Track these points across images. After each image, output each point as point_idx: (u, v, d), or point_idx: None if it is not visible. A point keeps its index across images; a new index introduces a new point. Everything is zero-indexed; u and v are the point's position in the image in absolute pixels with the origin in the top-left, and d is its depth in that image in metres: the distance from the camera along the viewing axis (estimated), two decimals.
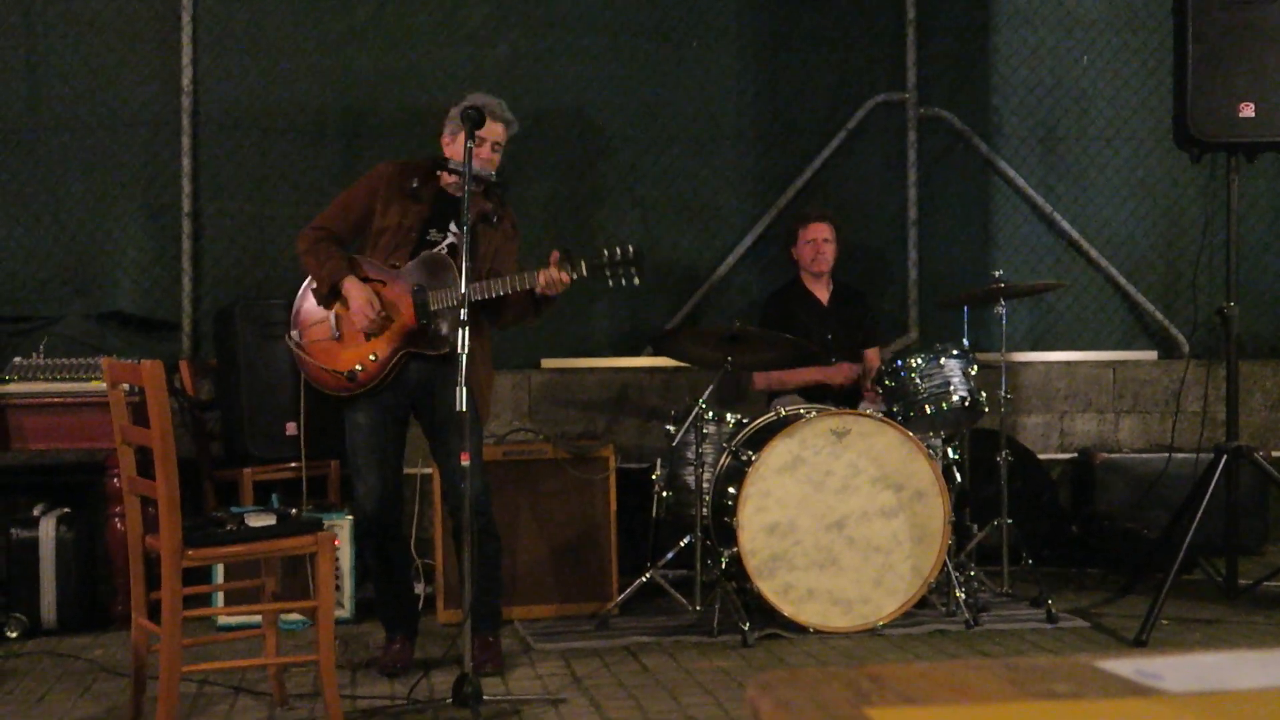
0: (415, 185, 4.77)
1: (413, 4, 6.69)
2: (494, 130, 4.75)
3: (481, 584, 4.70)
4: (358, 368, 4.68)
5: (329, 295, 4.74)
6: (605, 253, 4.71)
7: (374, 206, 4.79)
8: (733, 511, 5.19)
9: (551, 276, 4.60)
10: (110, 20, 6.47)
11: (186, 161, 6.49)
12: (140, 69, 6.51)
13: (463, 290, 4.23)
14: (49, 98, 6.43)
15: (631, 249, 4.72)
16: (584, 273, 4.66)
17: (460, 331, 4.14)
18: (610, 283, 4.73)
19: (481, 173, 4.63)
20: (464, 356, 4.11)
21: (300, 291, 4.86)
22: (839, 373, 6.02)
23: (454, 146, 4.78)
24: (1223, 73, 5.36)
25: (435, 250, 4.74)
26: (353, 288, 4.68)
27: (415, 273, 4.70)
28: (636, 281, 4.73)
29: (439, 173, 4.78)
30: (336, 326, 4.73)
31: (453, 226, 4.76)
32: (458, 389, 4.08)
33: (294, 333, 4.81)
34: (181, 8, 6.47)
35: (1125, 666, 1.09)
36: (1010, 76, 7.11)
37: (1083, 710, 1.00)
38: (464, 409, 4.09)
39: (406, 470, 5.10)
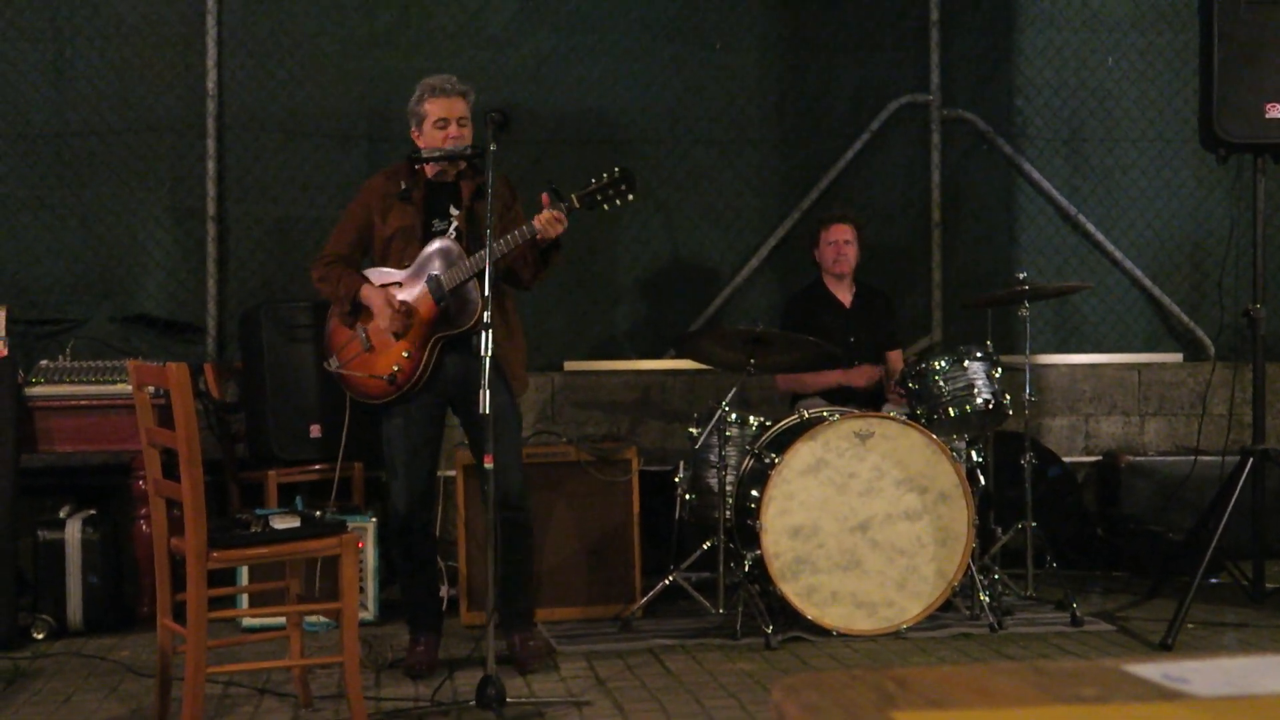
0: (404, 187, 4.83)
1: (436, 7, 6.71)
2: (453, 107, 4.78)
3: (519, 581, 4.87)
4: (395, 368, 4.73)
5: (352, 312, 4.82)
6: (593, 180, 4.70)
7: (371, 220, 4.85)
8: (756, 514, 5.19)
9: (545, 218, 4.59)
10: (136, 25, 6.50)
11: (211, 165, 6.52)
12: (166, 73, 6.54)
13: (486, 294, 4.25)
14: (75, 102, 6.47)
15: (618, 170, 4.71)
16: (576, 204, 4.65)
17: (485, 335, 4.16)
18: (605, 206, 4.72)
19: (453, 150, 4.72)
20: (487, 359, 4.14)
21: (328, 320, 4.96)
22: (860, 375, 6.01)
23: (423, 137, 4.82)
24: (1249, 73, 5.33)
25: (443, 237, 4.79)
26: (370, 294, 4.76)
27: (424, 264, 4.76)
28: (630, 198, 4.71)
29: (419, 167, 4.83)
30: (367, 339, 4.80)
31: (453, 210, 4.82)
32: (481, 392, 4.11)
33: (331, 360, 4.89)
34: (206, 11, 6.51)
35: (1152, 670, 1.09)
36: (1034, 77, 7.08)
37: (1109, 714, 1.00)
38: (487, 411, 4.11)
39: None
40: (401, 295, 4.76)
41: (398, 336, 4.74)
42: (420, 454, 4.82)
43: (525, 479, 4.91)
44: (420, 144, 4.83)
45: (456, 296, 4.71)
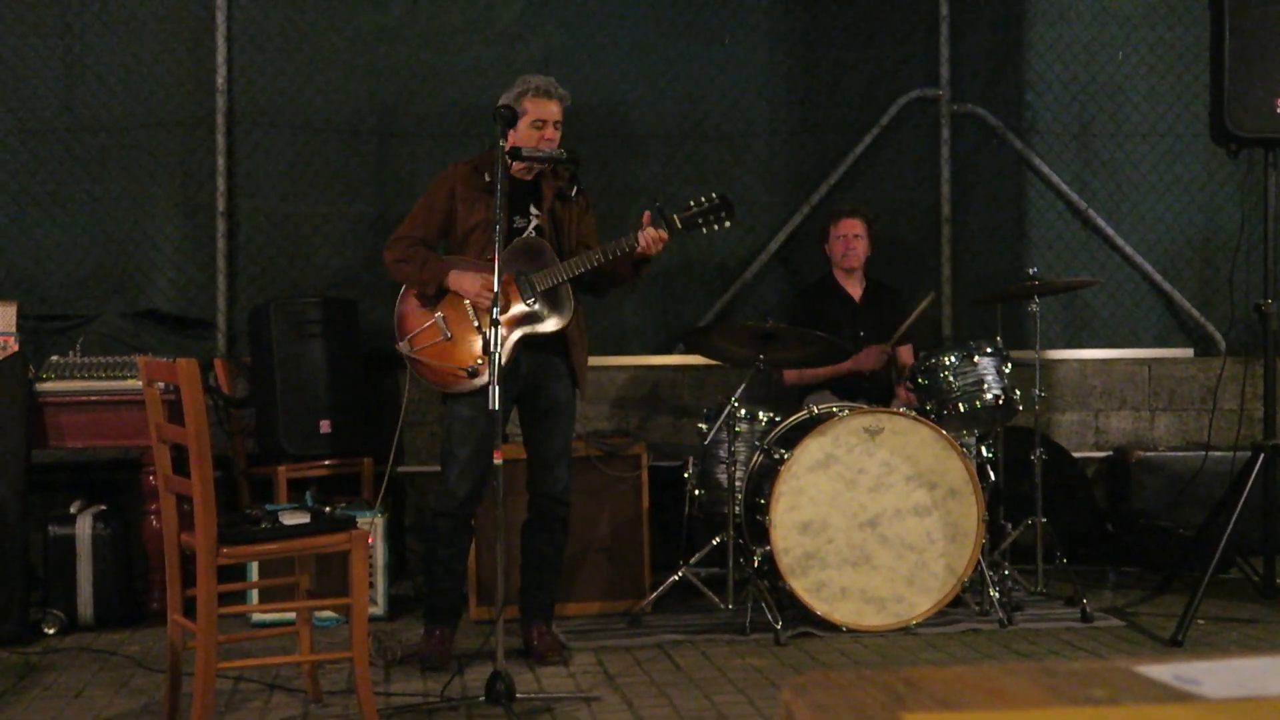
0: (489, 179, 4.81)
1: (446, 2, 6.71)
2: (552, 110, 4.84)
3: (549, 573, 4.98)
4: (478, 361, 4.74)
5: (435, 296, 4.82)
6: (693, 204, 4.88)
7: (455, 207, 4.88)
8: (765, 509, 5.18)
9: (650, 236, 4.73)
10: (146, 20, 6.51)
11: (221, 160, 6.52)
12: (175, 68, 6.55)
13: (496, 288, 4.25)
14: (85, 97, 6.47)
15: (716, 196, 4.90)
16: (679, 226, 4.83)
17: (494, 331, 4.16)
18: (704, 230, 4.92)
19: (552, 153, 4.77)
20: (498, 354, 4.14)
21: (399, 301, 4.92)
22: (868, 358, 5.98)
23: (517, 135, 4.81)
24: (1260, 67, 5.31)
25: (524, 235, 4.85)
26: (460, 278, 4.77)
27: (511, 260, 4.76)
28: (728, 225, 4.92)
29: (510, 163, 4.81)
30: (446, 327, 4.81)
31: (534, 209, 4.88)
32: (491, 387, 4.11)
33: (403, 343, 4.87)
34: (216, 7, 6.51)
35: (1163, 671, 1.09)
36: (1045, 72, 7.06)
37: (1120, 716, 0.99)
38: (497, 407, 4.11)
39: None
40: None
41: (480, 328, 4.74)
42: (483, 447, 4.80)
43: (571, 476, 5.00)
44: (510, 139, 4.78)
45: (546, 298, 4.75)
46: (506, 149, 4.66)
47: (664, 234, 4.76)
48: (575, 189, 4.92)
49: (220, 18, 6.52)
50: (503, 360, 4.71)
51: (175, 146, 6.55)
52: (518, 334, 4.79)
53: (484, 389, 4.72)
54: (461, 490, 4.83)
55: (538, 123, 4.80)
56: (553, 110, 4.84)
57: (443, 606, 4.93)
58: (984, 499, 5.32)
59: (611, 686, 4.55)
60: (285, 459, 5.87)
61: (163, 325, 6.50)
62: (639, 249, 4.74)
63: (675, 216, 4.81)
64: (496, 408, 4.11)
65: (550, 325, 4.80)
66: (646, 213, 4.78)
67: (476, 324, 4.79)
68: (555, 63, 6.73)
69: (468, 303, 4.81)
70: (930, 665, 4.36)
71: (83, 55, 6.47)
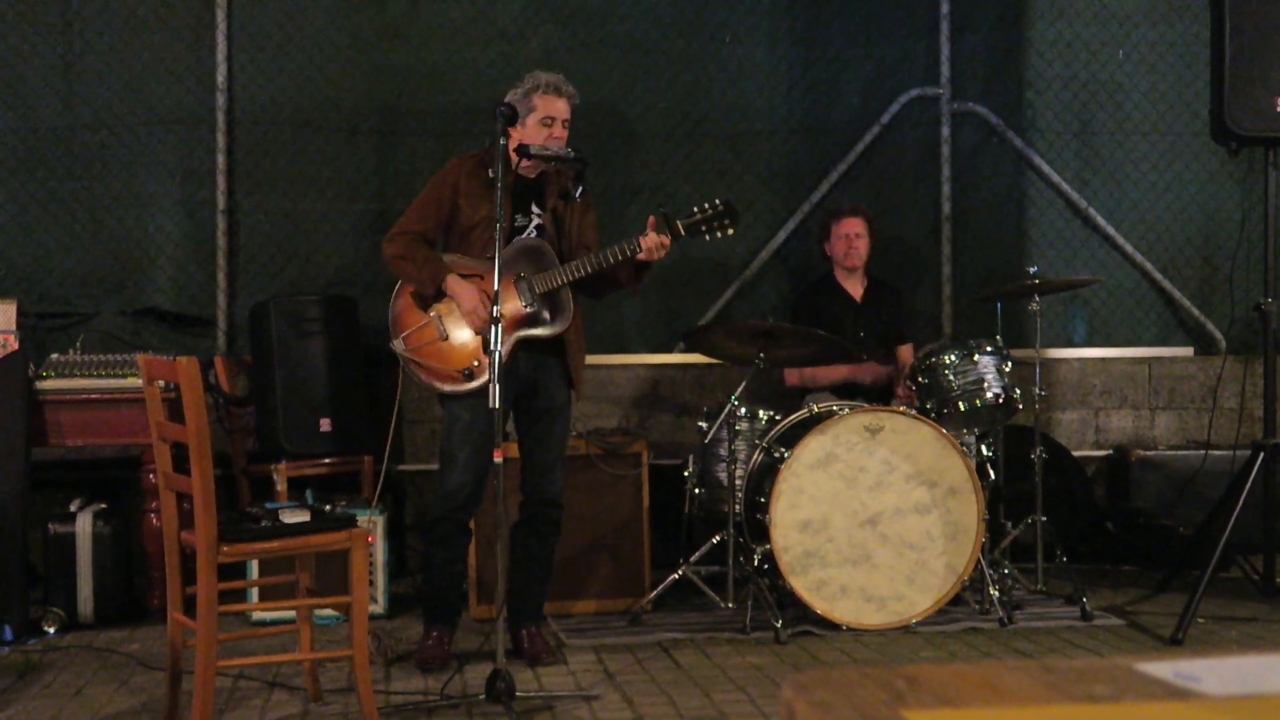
0: (492, 175, 4.76)
1: (446, 1, 6.71)
2: (560, 107, 4.77)
3: (540, 575, 4.95)
4: (475, 363, 4.69)
5: (433, 297, 4.75)
6: (697, 210, 4.81)
7: (458, 202, 4.79)
8: (765, 508, 5.18)
9: (653, 241, 4.66)
10: (146, 19, 6.51)
11: (221, 159, 6.52)
12: (176, 67, 6.55)
13: (496, 287, 4.24)
14: (85, 96, 6.47)
15: (720, 202, 4.82)
16: (681, 233, 4.75)
17: (495, 330, 4.14)
18: (707, 237, 4.84)
19: (561, 151, 4.67)
20: (498, 354, 4.12)
21: (394, 297, 4.84)
22: (868, 371, 5.99)
23: (525, 132, 4.75)
24: (1260, 66, 5.31)
25: (525, 235, 4.79)
26: (459, 287, 4.67)
27: (512, 261, 4.72)
28: (731, 232, 4.83)
29: (518, 160, 4.75)
30: (443, 327, 4.75)
31: (536, 209, 4.83)
32: (491, 385, 4.10)
33: (398, 341, 4.79)
34: (216, 5, 6.51)
35: (1163, 669, 1.09)
36: (1045, 71, 7.06)
37: (1121, 713, 1.00)
38: (498, 405, 4.09)
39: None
40: (488, 290, 4.64)
41: (479, 332, 4.69)
42: (483, 449, 4.76)
43: (565, 478, 4.97)
44: (516, 136, 4.73)
45: (546, 300, 4.71)
46: (514, 146, 4.64)
47: (667, 239, 4.68)
48: (580, 189, 4.86)
49: (220, 16, 6.51)
50: (502, 361, 4.70)
51: (175, 144, 6.54)
52: (516, 336, 4.72)
53: (482, 390, 4.67)
54: (461, 493, 4.79)
55: (546, 120, 4.74)
56: (561, 108, 4.76)
57: (441, 608, 4.91)
58: (984, 497, 5.32)
59: (612, 685, 4.55)
60: (285, 457, 5.87)
61: (163, 323, 6.50)
62: (640, 254, 4.67)
63: (679, 223, 4.74)
64: (497, 406, 4.10)
65: (549, 328, 4.74)
66: (651, 217, 4.71)
67: (479, 333, 4.72)
68: (555, 61, 6.72)
69: None
70: (931, 663, 4.36)
71: (83, 53, 6.47)
